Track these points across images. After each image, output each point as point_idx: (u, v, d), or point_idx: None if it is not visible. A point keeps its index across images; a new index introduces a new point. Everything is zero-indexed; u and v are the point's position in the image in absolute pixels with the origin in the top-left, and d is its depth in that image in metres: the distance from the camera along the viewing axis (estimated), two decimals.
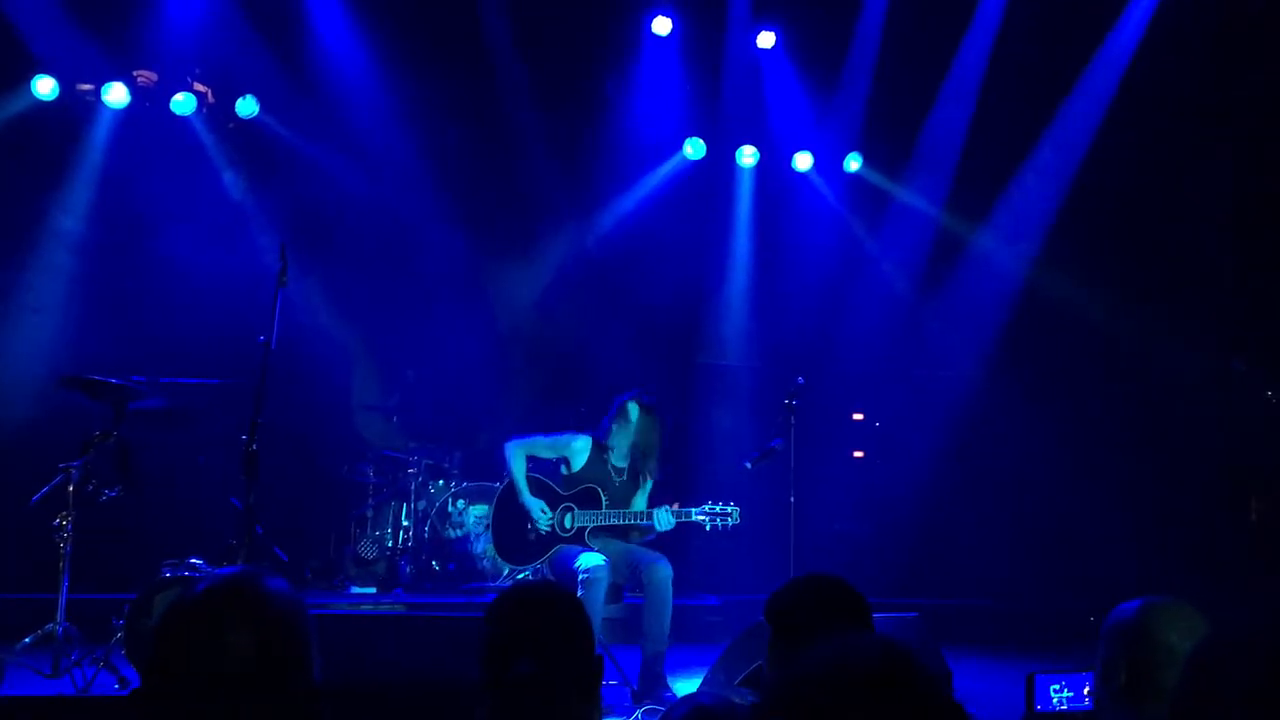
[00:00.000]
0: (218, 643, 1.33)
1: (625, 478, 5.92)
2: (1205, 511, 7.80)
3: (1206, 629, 2.09)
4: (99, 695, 4.85)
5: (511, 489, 5.89)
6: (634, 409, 5.86)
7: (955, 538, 8.32)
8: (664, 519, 5.63)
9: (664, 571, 5.55)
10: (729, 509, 5.66)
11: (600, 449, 5.91)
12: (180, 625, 1.36)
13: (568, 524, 5.82)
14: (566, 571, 5.48)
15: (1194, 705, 1.27)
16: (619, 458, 5.92)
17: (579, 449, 5.90)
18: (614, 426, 5.88)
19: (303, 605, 1.43)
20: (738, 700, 2.12)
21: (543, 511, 5.81)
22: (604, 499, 5.80)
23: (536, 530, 5.82)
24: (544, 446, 6.00)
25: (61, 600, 5.18)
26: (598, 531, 5.80)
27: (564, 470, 5.96)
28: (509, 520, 5.92)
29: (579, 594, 4.99)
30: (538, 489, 5.90)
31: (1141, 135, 8.23)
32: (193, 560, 5.40)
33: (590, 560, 5.49)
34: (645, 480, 5.97)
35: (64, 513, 5.20)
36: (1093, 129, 8.44)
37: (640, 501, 5.91)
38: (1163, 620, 2.15)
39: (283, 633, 1.37)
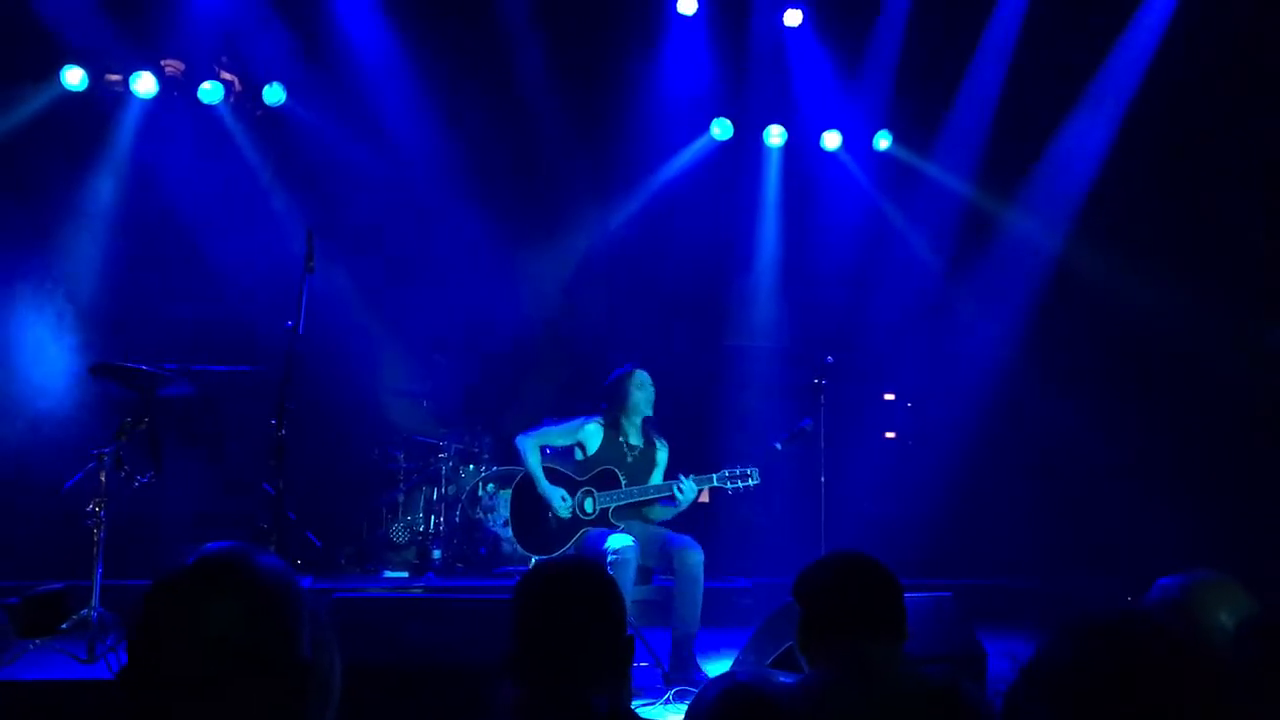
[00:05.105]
0: (208, 613, 1.31)
1: (640, 454, 5.90)
2: (1240, 487, 7.66)
3: (1253, 607, 2.03)
4: None
5: (528, 482, 5.82)
6: (645, 375, 5.88)
7: (988, 517, 8.23)
8: (687, 487, 5.61)
9: (695, 556, 5.52)
10: (749, 470, 5.64)
11: (613, 429, 5.88)
12: (170, 596, 1.33)
13: (589, 508, 5.78)
14: (595, 554, 5.45)
15: (1245, 684, 1.23)
16: (634, 435, 5.91)
17: (592, 431, 5.88)
18: (638, 395, 5.86)
19: (295, 581, 1.40)
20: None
21: (563, 499, 5.77)
22: (622, 478, 5.78)
23: (558, 517, 5.78)
24: (557, 434, 5.95)
25: (96, 586, 5.22)
26: (621, 511, 5.78)
27: (579, 455, 5.93)
28: (528, 512, 5.85)
29: None
30: (554, 477, 5.84)
31: (1174, 107, 8.07)
32: None
33: (619, 541, 5.46)
34: (661, 451, 5.95)
35: (97, 499, 5.24)
36: (1125, 101, 8.29)
37: (658, 476, 5.89)
38: (1210, 598, 2.10)
39: (274, 605, 1.34)
